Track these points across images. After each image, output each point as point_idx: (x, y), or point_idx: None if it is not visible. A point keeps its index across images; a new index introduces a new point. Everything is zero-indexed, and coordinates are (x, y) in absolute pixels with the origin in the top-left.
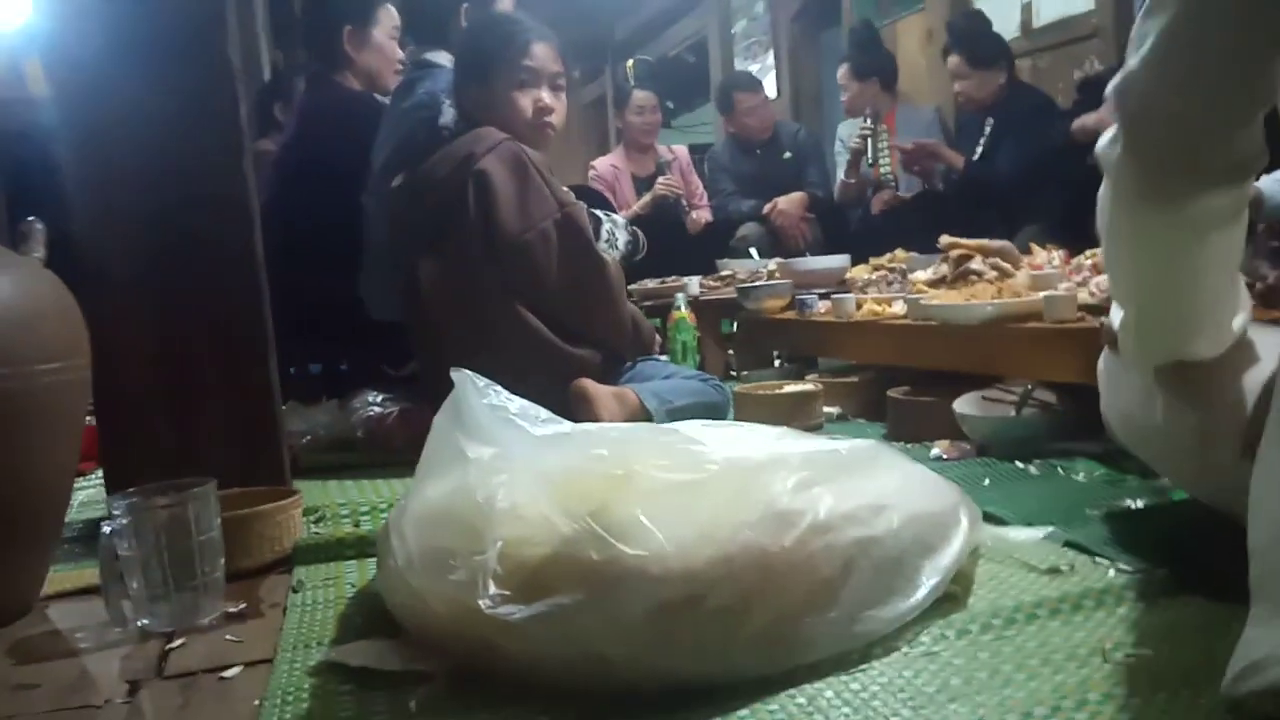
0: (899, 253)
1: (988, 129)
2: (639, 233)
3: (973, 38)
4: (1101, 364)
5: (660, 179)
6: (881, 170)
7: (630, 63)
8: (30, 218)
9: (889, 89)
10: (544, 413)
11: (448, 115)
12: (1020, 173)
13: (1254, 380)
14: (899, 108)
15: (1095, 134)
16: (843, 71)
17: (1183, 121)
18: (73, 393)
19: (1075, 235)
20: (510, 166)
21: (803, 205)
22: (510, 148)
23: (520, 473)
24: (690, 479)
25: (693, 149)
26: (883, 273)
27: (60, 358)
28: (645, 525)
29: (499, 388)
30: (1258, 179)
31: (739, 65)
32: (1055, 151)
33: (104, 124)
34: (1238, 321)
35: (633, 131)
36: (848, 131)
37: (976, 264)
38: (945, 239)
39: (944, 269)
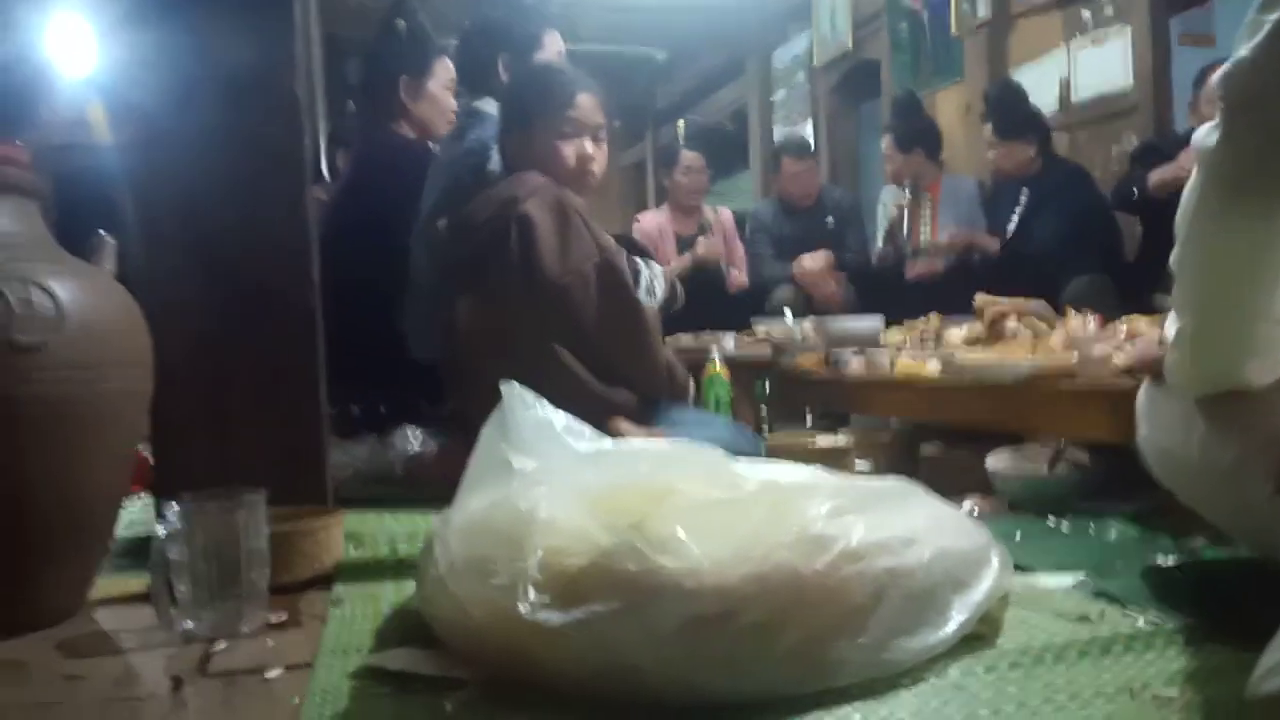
0: (933, 317)
1: (1023, 199)
2: (678, 283)
3: (1003, 108)
4: (1141, 396)
5: (701, 240)
6: (921, 240)
7: (681, 123)
8: (101, 231)
9: (933, 158)
10: (588, 429)
11: (495, 161)
12: (1054, 244)
13: None
14: (944, 178)
15: (1174, 185)
16: (886, 142)
17: None
18: (135, 403)
19: (1110, 305)
20: (552, 210)
21: (827, 262)
22: (553, 192)
23: (562, 485)
24: (728, 498)
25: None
26: (916, 334)
27: (127, 367)
28: (682, 540)
29: (546, 402)
30: None
31: (778, 133)
32: (1090, 221)
33: (164, 169)
34: None
35: (679, 191)
36: (890, 197)
37: (1012, 323)
38: (981, 298)
39: (979, 327)
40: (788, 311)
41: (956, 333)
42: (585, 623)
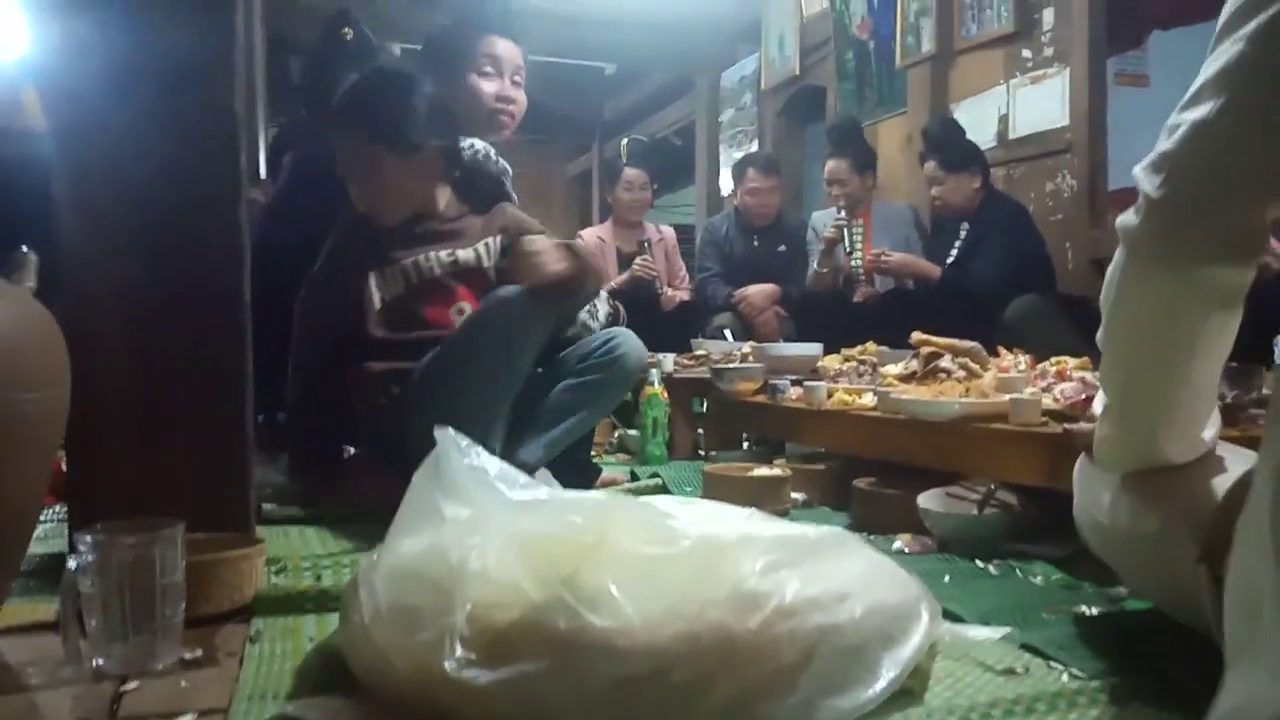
0: (870, 345)
1: (963, 233)
2: (619, 306)
3: (947, 144)
4: (1077, 469)
5: (639, 260)
6: (854, 262)
7: (625, 141)
8: (24, 248)
9: (872, 185)
10: (523, 477)
11: None
12: (994, 280)
13: (1216, 491)
14: (875, 205)
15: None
16: (841, 165)
17: (1207, 196)
18: (49, 423)
19: (1053, 328)
20: None
21: (771, 297)
22: None
23: (494, 535)
24: (662, 553)
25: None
26: (853, 363)
27: (41, 388)
28: (614, 596)
29: (480, 449)
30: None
31: (725, 153)
32: (1028, 258)
33: (97, 159)
34: (1209, 433)
35: (621, 208)
36: (822, 222)
37: (946, 362)
38: (917, 336)
39: (914, 365)
40: (728, 334)
41: (893, 368)
42: (512, 682)
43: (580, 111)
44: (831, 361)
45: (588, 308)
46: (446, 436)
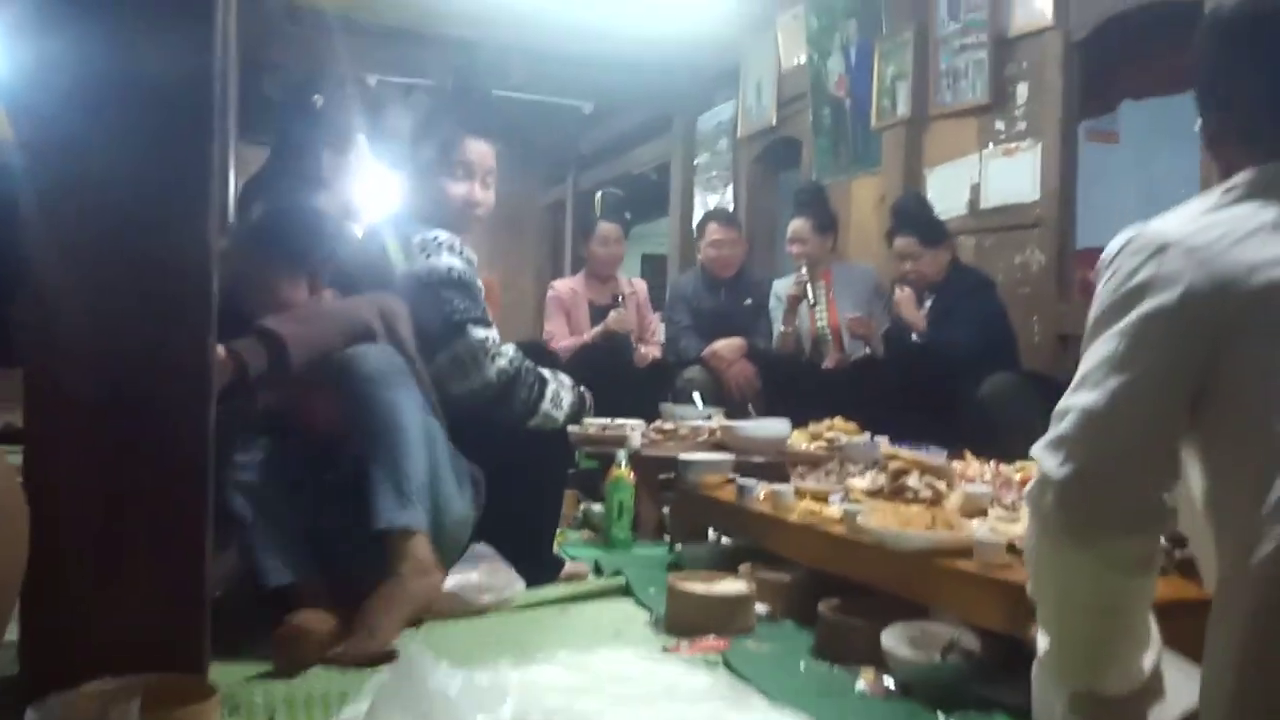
0: (837, 421)
1: (928, 304)
2: (585, 394)
3: (922, 220)
4: (1035, 668)
5: (613, 313)
6: (819, 324)
7: (599, 195)
8: None
9: (833, 247)
10: (488, 691)
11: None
12: (960, 351)
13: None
14: (835, 266)
15: None
16: (805, 226)
17: (1103, 477)
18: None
19: (1017, 422)
20: None
21: (740, 350)
22: None
23: None
24: None
25: (647, 258)
26: (820, 444)
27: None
28: None
29: (447, 669)
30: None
31: (699, 196)
32: (993, 329)
33: (63, 183)
34: (1148, 661)
35: (595, 262)
36: (783, 288)
37: (913, 480)
38: (885, 449)
39: (881, 479)
40: (697, 397)
41: (859, 481)
42: None
43: (556, 144)
44: (799, 438)
45: (551, 398)
46: (417, 657)
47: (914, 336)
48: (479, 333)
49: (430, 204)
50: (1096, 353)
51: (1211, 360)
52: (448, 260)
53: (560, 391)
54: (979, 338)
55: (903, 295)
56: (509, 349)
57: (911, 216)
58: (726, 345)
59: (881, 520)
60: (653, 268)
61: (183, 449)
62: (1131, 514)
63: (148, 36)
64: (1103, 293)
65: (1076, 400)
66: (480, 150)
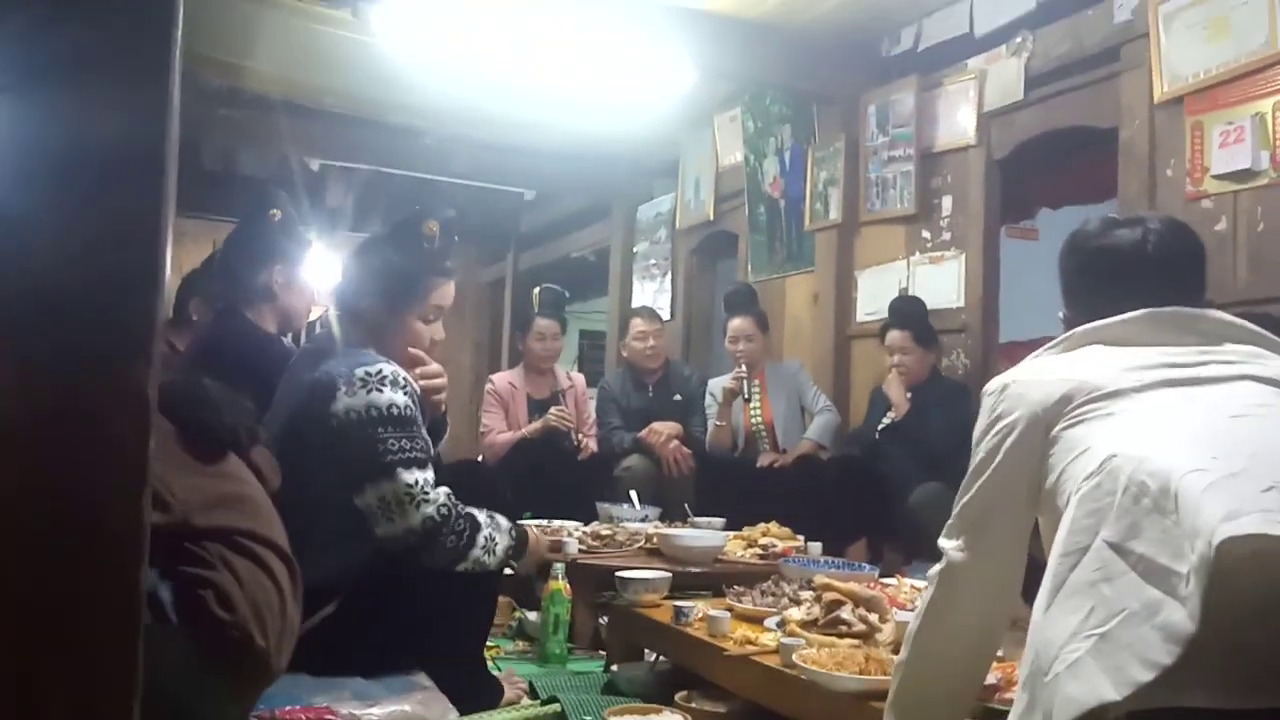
0: (772, 527)
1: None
2: (522, 534)
3: (918, 318)
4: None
5: (553, 410)
6: (753, 420)
7: (537, 291)
8: None
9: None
10: None
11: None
12: (928, 452)
13: None
14: (768, 365)
15: None
16: (750, 324)
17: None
18: None
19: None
20: None
21: (677, 430)
22: None
23: None
24: None
25: (584, 334)
26: (756, 551)
27: None
28: None
29: None
30: None
31: (638, 283)
32: (961, 440)
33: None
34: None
35: (533, 356)
36: (719, 386)
37: (846, 613)
38: (820, 579)
39: (816, 610)
40: (634, 496)
41: (795, 612)
42: None
43: (497, 225)
44: (735, 545)
45: (483, 542)
46: None
47: (878, 432)
48: (408, 476)
49: (387, 336)
50: (975, 459)
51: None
52: (389, 396)
53: (494, 535)
54: (950, 441)
55: (894, 377)
56: (439, 494)
57: (909, 314)
58: (664, 424)
59: (816, 660)
60: (590, 343)
61: (112, 557)
62: (995, 576)
63: (100, 105)
64: (977, 426)
65: (961, 501)
66: (449, 295)
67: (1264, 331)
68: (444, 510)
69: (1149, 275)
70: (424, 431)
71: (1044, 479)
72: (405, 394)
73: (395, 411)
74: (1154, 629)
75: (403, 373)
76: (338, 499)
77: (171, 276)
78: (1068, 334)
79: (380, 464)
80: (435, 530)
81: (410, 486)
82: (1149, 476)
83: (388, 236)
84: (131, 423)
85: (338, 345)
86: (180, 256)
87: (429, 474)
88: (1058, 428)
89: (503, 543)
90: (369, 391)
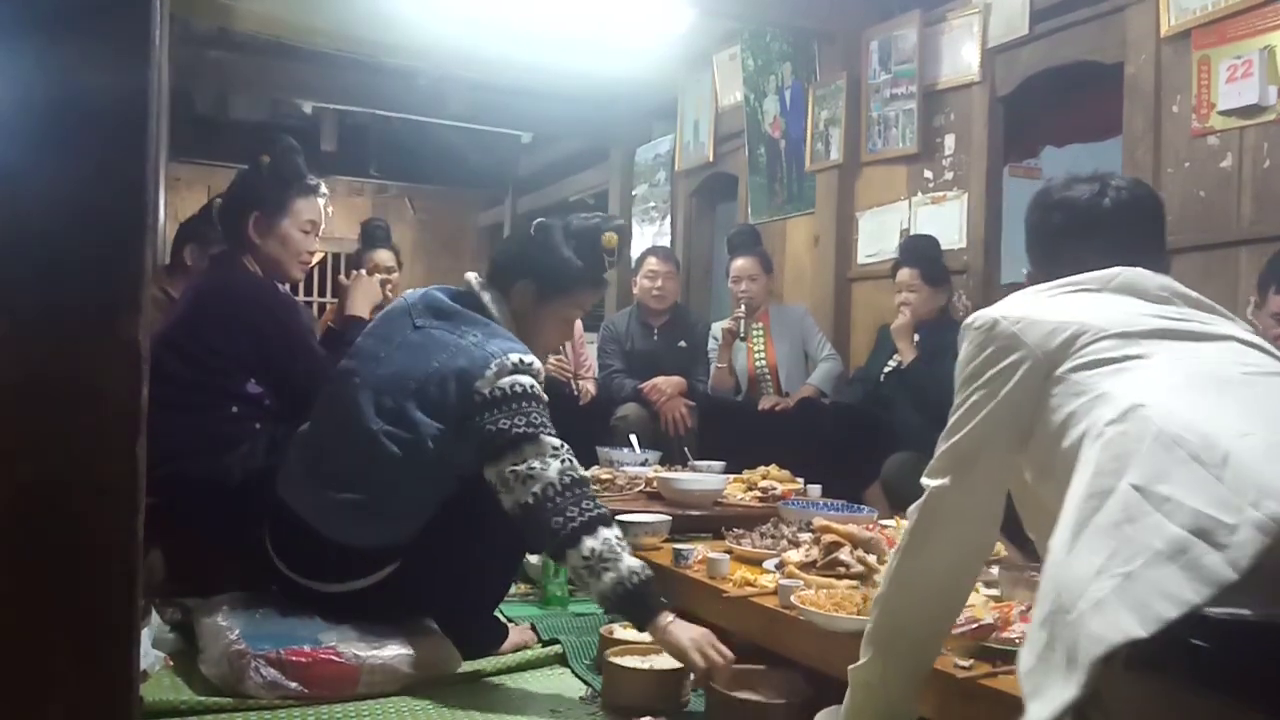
0: (772, 470)
1: (916, 339)
2: (645, 581)
3: (929, 257)
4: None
5: (552, 360)
6: (757, 363)
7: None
8: None
9: (771, 287)
10: None
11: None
12: (931, 397)
13: None
14: (773, 307)
15: None
16: (753, 264)
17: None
18: None
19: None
20: None
21: (680, 387)
22: None
23: None
24: None
25: None
26: (755, 494)
27: None
28: None
29: None
30: None
31: (637, 226)
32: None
33: None
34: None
35: None
36: (720, 328)
37: (844, 554)
38: (819, 521)
39: (814, 552)
40: (634, 440)
41: (794, 554)
42: None
43: (494, 168)
44: (735, 488)
45: (609, 538)
46: None
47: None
48: (552, 440)
49: (529, 324)
50: (962, 407)
51: (1044, 396)
52: (533, 382)
53: (620, 544)
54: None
55: (901, 324)
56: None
57: (920, 251)
58: (666, 380)
59: (814, 601)
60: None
61: (108, 512)
62: (977, 510)
63: (82, 57)
64: (962, 360)
65: (949, 440)
66: (590, 304)
67: (1213, 304)
68: (582, 475)
69: (1105, 231)
70: None
71: (1042, 418)
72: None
73: (538, 392)
74: (1181, 569)
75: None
76: (460, 470)
77: (167, 223)
78: (1053, 283)
79: (525, 433)
80: (574, 482)
81: (556, 448)
82: (1185, 430)
83: (564, 232)
84: (124, 371)
85: (464, 314)
86: (175, 202)
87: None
88: (1063, 368)
89: (633, 561)
90: (520, 375)
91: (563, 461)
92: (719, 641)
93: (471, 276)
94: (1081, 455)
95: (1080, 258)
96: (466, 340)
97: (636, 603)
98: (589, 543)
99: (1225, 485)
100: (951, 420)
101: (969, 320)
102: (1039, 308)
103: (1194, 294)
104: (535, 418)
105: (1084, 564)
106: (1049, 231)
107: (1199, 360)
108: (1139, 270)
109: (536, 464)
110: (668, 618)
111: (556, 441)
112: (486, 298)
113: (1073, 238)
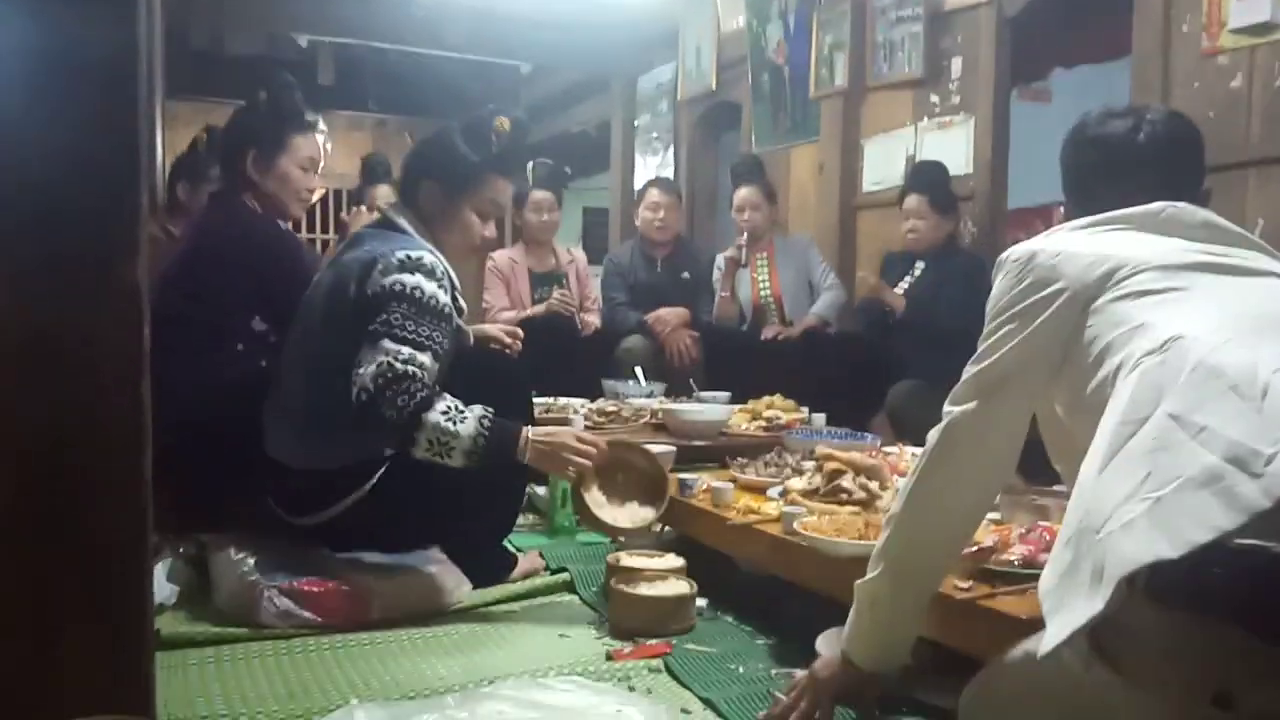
0: (776, 399)
1: (917, 271)
2: (491, 428)
3: (937, 183)
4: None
5: (556, 293)
6: (761, 292)
7: (530, 165)
8: None
9: (775, 217)
10: None
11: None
12: (942, 324)
13: None
14: (776, 239)
15: None
16: (756, 194)
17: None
18: None
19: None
20: None
21: (684, 319)
22: None
23: None
24: None
25: (588, 210)
26: (760, 424)
27: None
28: None
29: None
30: None
31: (640, 157)
32: (974, 315)
33: None
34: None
35: (531, 230)
36: (723, 258)
37: (847, 481)
38: (821, 449)
39: (817, 479)
40: (639, 372)
41: (797, 482)
42: None
43: (494, 100)
44: (740, 418)
45: (445, 409)
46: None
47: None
48: (396, 347)
49: (440, 224)
50: (994, 335)
51: (1079, 328)
52: (418, 280)
53: (462, 409)
54: (960, 321)
55: (878, 283)
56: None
57: (927, 177)
58: (670, 311)
59: (816, 527)
60: (593, 219)
61: (115, 453)
62: (999, 439)
63: (72, 6)
64: (996, 292)
65: (977, 367)
66: (507, 193)
67: (1259, 240)
68: (405, 369)
69: (1141, 168)
70: (443, 330)
71: (1076, 349)
72: (439, 286)
73: (419, 295)
74: (1214, 494)
75: (443, 265)
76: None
77: (165, 161)
78: (1091, 218)
79: (373, 332)
80: (387, 383)
81: (390, 350)
82: (1224, 362)
83: (457, 128)
84: (124, 314)
85: (372, 233)
86: (172, 140)
87: (424, 358)
88: (1102, 299)
89: (472, 420)
90: (402, 273)
91: (379, 364)
92: (582, 438)
93: (383, 200)
94: (1117, 385)
95: (1117, 195)
96: (361, 251)
97: (496, 455)
98: (420, 437)
99: (1263, 417)
100: (981, 348)
101: (1005, 254)
102: (1078, 242)
103: (1236, 229)
104: (395, 318)
105: (1115, 487)
106: (1084, 169)
107: (1240, 295)
108: (1182, 205)
109: (361, 368)
110: (526, 446)
111: (395, 346)
112: (394, 212)
113: (1109, 175)
